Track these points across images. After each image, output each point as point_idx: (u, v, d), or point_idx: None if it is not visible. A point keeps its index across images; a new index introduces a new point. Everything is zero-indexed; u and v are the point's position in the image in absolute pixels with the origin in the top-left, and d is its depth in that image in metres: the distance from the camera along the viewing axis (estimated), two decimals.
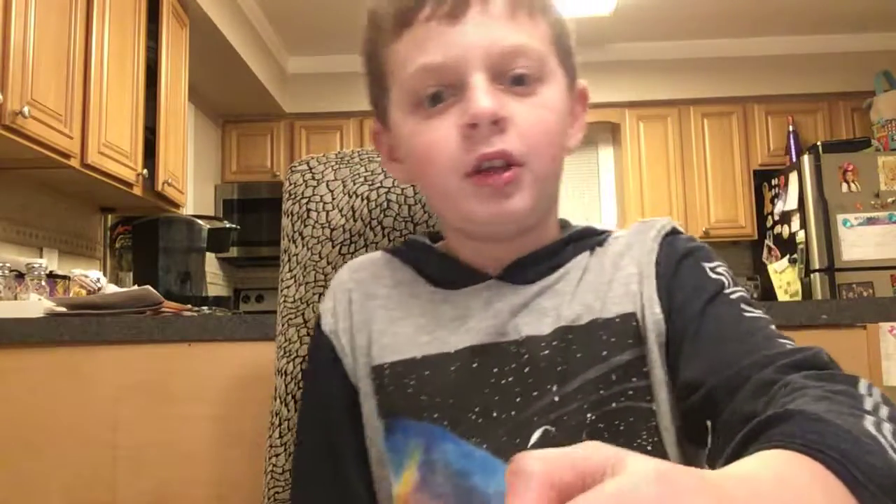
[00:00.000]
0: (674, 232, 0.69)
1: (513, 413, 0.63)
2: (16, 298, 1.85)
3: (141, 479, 1.19)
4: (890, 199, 3.78)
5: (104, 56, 2.31)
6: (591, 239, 0.70)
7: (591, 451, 0.29)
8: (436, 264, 0.71)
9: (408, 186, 0.86)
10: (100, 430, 1.20)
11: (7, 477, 1.19)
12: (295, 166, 0.95)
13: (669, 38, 4.40)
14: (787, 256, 3.91)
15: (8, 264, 1.91)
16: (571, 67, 0.67)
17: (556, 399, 0.62)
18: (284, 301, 0.91)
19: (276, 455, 0.86)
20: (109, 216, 2.98)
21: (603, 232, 0.72)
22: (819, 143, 4.09)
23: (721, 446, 0.47)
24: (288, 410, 0.85)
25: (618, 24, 4.10)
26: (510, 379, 0.64)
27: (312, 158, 0.95)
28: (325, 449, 0.71)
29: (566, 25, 0.68)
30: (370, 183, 0.88)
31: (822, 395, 0.44)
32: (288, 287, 0.91)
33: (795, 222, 3.94)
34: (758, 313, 0.60)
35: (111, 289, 1.80)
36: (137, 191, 2.56)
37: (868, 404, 0.43)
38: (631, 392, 0.62)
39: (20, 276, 1.92)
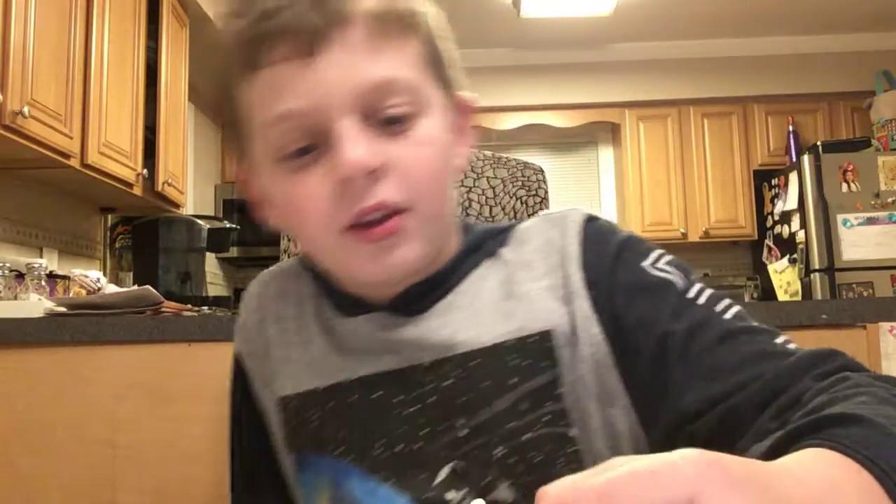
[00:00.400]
0: (590, 221, 0.61)
1: (418, 446, 0.58)
2: (16, 298, 1.85)
3: (141, 479, 1.19)
4: (890, 199, 3.78)
5: (104, 56, 2.31)
6: (490, 243, 0.63)
7: (612, 463, 0.29)
8: (330, 288, 0.65)
9: None
10: (100, 430, 1.20)
11: (7, 477, 1.19)
12: None
13: (669, 38, 4.40)
14: (787, 256, 3.92)
15: (8, 264, 1.91)
16: (449, 81, 0.60)
17: (465, 433, 0.57)
18: None
19: None
20: (109, 216, 2.98)
21: (504, 230, 0.64)
22: (819, 143, 4.09)
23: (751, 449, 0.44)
24: None
25: (618, 24, 4.10)
26: (416, 408, 0.59)
27: None
28: (248, 466, 0.70)
29: (438, 31, 0.59)
30: None
31: (885, 398, 0.42)
32: None
33: (795, 222, 3.94)
34: (735, 309, 0.55)
35: (111, 289, 1.80)
36: (137, 191, 2.56)
37: None
38: (546, 418, 0.56)
39: (20, 276, 1.92)
